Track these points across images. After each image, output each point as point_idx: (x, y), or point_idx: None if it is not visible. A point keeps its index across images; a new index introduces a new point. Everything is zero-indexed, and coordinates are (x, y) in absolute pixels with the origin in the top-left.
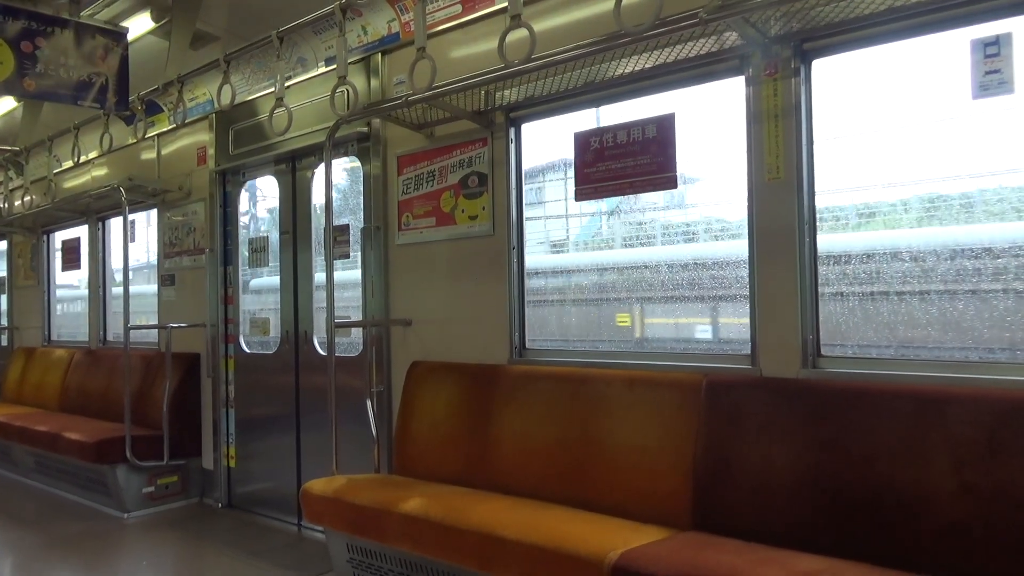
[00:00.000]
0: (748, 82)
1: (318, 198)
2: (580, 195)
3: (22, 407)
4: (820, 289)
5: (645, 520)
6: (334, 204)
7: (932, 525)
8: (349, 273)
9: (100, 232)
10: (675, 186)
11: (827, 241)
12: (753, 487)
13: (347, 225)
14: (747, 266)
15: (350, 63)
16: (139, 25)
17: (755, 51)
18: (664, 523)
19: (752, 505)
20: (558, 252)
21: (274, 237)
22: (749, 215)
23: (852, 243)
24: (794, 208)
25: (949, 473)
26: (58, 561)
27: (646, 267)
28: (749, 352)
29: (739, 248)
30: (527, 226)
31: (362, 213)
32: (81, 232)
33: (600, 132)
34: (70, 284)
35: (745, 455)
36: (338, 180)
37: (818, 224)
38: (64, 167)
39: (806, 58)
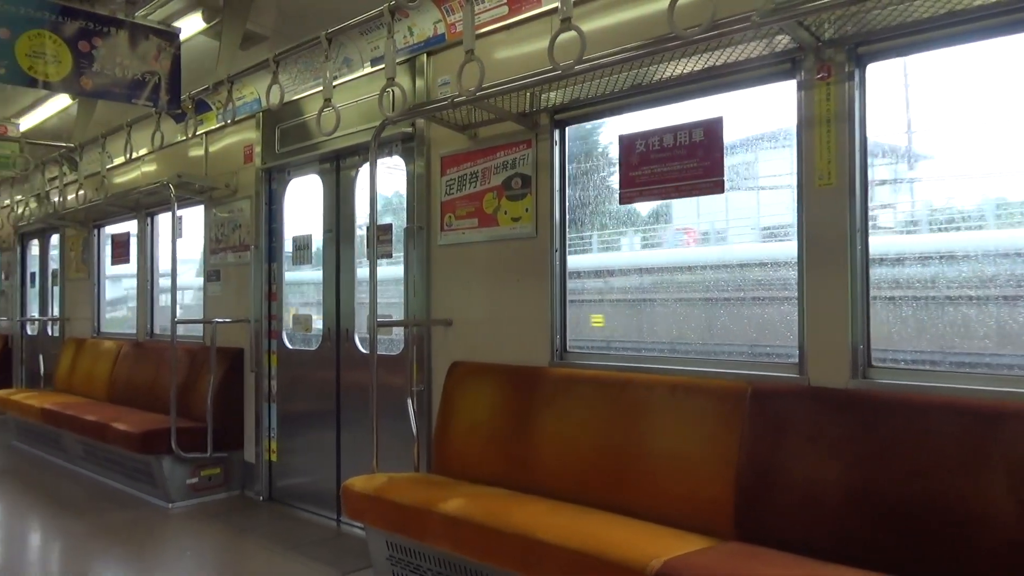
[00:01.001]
0: (800, 86)
1: (361, 197)
2: (624, 199)
3: (72, 396)
4: (871, 296)
5: (687, 528)
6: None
7: (987, 544)
8: (390, 272)
9: (149, 227)
10: (722, 190)
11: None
12: (799, 498)
13: (390, 225)
14: (795, 271)
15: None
16: (191, 25)
17: (807, 54)
18: (706, 532)
19: (797, 517)
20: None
21: (317, 235)
22: (798, 220)
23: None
24: (846, 214)
25: (1006, 491)
26: (104, 548)
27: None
28: (797, 360)
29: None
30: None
31: (404, 213)
32: (130, 227)
33: (646, 135)
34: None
35: (791, 465)
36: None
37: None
38: (116, 163)
39: (860, 62)
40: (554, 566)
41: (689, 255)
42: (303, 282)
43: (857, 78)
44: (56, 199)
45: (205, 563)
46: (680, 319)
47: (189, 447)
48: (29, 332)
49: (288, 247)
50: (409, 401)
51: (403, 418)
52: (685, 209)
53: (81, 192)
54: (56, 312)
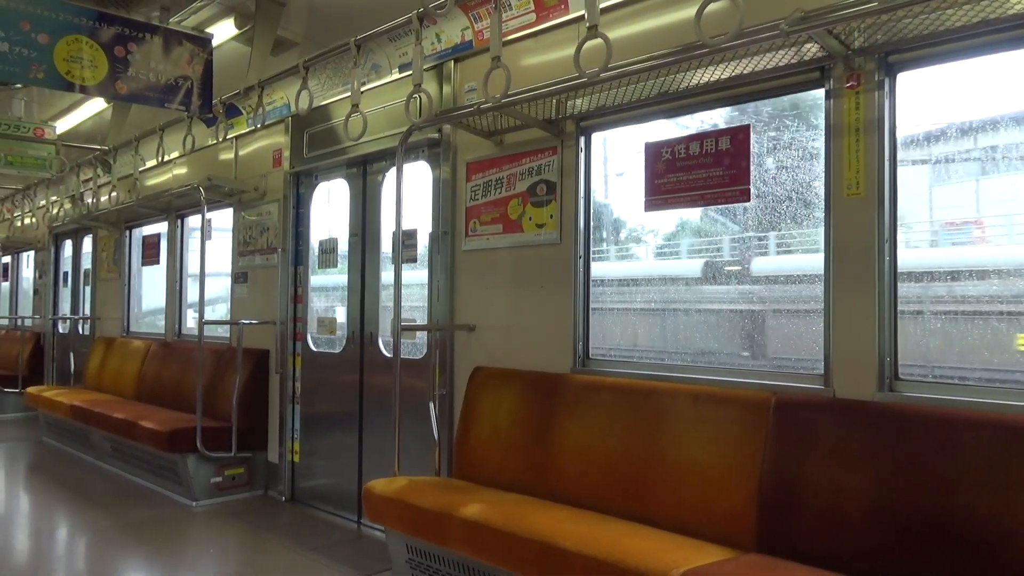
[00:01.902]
0: (828, 95)
1: (388, 202)
2: (649, 206)
3: (101, 394)
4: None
5: (707, 539)
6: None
7: (1015, 562)
8: (415, 276)
9: (179, 229)
10: (748, 199)
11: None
12: (821, 511)
13: (415, 230)
14: (822, 282)
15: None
16: (223, 31)
17: (837, 63)
18: (727, 543)
19: (820, 530)
20: None
21: (343, 239)
22: (826, 230)
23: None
24: (874, 225)
25: None
26: (130, 544)
27: None
28: (822, 372)
29: None
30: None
31: (430, 218)
32: (161, 228)
33: (672, 143)
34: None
35: (814, 478)
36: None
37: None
38: (148, 166)
39: (891, 71)
40: (573, 573)
41: None
42: (328, 286)
43: (887, 87)
44: (90, 200)
45: (228, 561)
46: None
47: (214, 446)
48: (61, 330)
49: (315, 250)
50: (431, 405)
51: (425, 422)
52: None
53: (114, 194)
54: (87, 311)
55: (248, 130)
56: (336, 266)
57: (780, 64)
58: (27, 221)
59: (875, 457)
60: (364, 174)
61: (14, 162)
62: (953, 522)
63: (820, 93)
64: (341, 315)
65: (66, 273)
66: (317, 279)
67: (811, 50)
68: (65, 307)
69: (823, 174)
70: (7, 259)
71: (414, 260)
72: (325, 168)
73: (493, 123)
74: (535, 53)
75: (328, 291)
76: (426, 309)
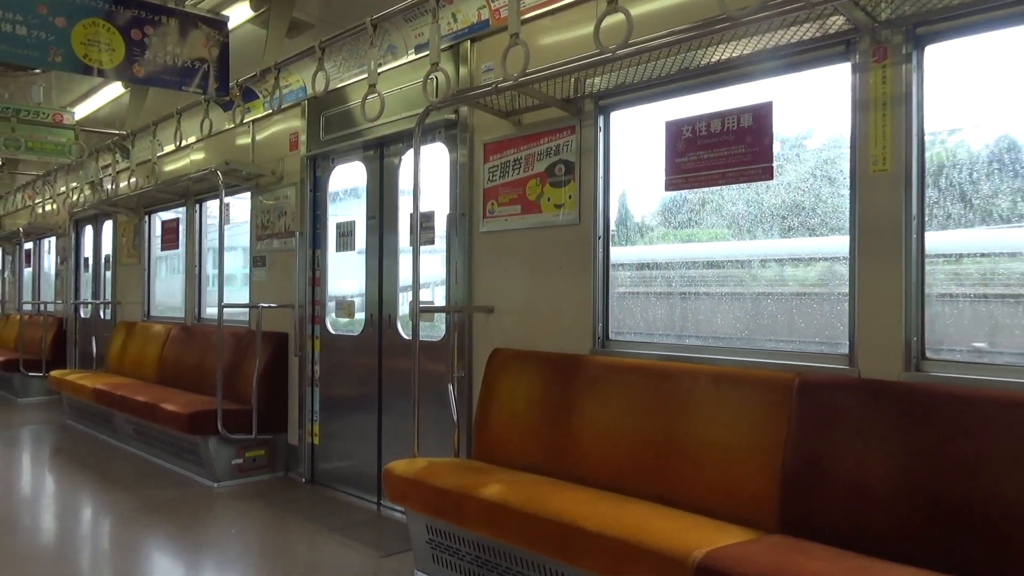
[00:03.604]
0: (854, 69)
1: (405, 184)
2: (670, 185)
3: (123, 377)
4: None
5: (729, 520)
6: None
7: None
8: (433, 259)
9: (197, 213)
10: (771, 177)
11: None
12: (846, 492)
13: (433, 212)
14: (847, 261)
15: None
16: (239, 14)
17: (863, 36)
18: (749, 524)
19: (844, 511)
20: None
21: (361, 222)
22: (851, 207)
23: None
24: (901, 201)
25: None
26: (153, 525)
27: None
28: (846, 352)
29: None
30: None
31: (447, 200)
32: (180, 213)
33: (693, 121)
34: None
35: (838, 459)
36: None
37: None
38: (166, 151)
39: (919, 43)
40: (594, 554)
41: None
42: (345, 270)
43: (915, 60)
44: (109, 186)
45: (249, 542)
46: None
47: (235, 428)
48: (82, 315)
49: (332, 233)
50: (450, 387)
51: (444, 404)
52: None
53: (133, 179)
54: (108, 296)
55: (265, 114)
56: (354, 249)
57: (804, 38)
58: (48, 207)
59: (901, 438)
60: (381, 156)
61: (34, 148)
62: (979, 503)
63: (846, 67)
64: (359, 297)
65: (87, 258)
66: (334, 262)
67: (836, 23)
68: (86, 292)
69: (848, 150)
70: (29, 245)
71: (432, 242)
72: (342, 151)
73: (511, 103)
74: (553, 32)
75: (346, 274)
76: (444, 291)
